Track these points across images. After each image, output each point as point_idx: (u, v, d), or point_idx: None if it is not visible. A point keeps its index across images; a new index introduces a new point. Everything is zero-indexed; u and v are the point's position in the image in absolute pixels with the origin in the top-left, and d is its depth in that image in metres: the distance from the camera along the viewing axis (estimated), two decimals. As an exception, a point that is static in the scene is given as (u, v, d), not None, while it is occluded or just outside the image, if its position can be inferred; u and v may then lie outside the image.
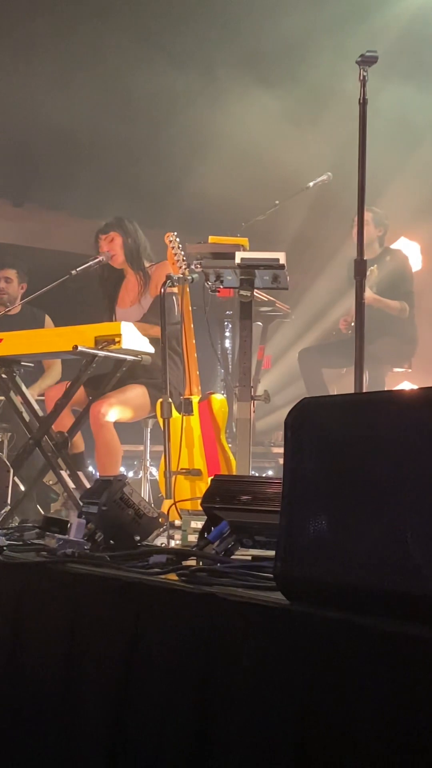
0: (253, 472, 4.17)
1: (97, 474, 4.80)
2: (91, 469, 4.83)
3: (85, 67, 6.35)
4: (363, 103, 3.38)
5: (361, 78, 3.37)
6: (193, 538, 2.81)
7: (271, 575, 1.74)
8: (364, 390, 3.45)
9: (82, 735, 2.09)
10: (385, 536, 1.49)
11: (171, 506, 3.29)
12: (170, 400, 3.84)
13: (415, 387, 5.31)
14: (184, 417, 3.96)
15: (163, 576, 2.06)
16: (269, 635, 1.64)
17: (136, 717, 1.94)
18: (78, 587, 2.23)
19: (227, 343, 6.10)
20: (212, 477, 2.45)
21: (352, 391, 3.41)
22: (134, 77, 6.30)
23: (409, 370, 5.98)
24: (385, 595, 1.47)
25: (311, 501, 1.64)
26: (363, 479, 1.56)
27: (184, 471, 3.89)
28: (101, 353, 3.88)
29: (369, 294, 5.47)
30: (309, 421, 1.70)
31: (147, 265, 4.65)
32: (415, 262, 6.62)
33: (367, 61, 3.37)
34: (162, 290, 3.90)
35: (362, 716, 1.41)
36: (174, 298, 4.14)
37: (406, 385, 6.24)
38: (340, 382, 6.10)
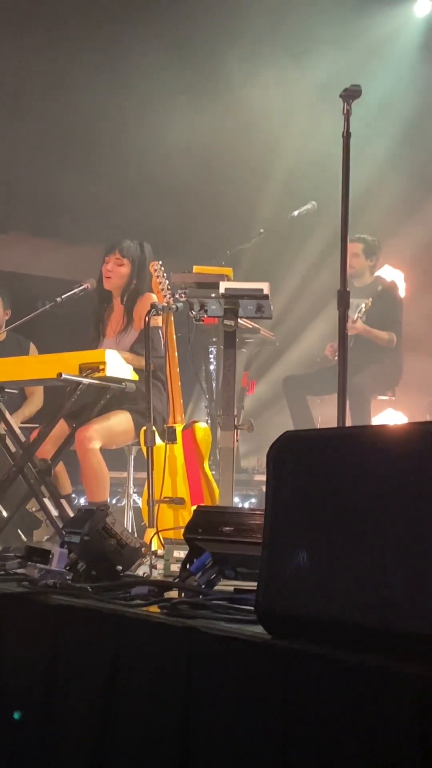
0: (236, 500, 4.17)
1: (83, 500, 4.79)
2: (74, 495, 4.81)
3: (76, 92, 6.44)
4: (346, 136, 3.42)
5: (345, 111, 3.41)
6: (175, 567, 2.81)
7: (253, 608, 1.74)
8: (348, 419, 3.47)
9: (61, 766, 2.08)
10: (365, 571, 1.50)
11: (153, 535, 3.28)
12: (154, 428, 3.84)
13: (399, 414, 5.30)
14: (168, 445, 3.96)
15: (144, 608, 2.06)
16: (250, 669, 1.63)
17: (115, 749, 1.93)
18: (59, 618, 2.22)
19: (211, 369, 6.11)
20: (195, 507, 2.45)
21: (336, 418, 3.42)
22: (122, 109, 6.38)
23: (393, 398, 6.01)
24: (366, 630, 1.47)
25: (293, 535, 1.65)
26: (344, 513, 1.57)
27: (167, 500, 3.88)
28: (85, 380, 3.89)
29: (359, 324, 5.52)
30: (291, 455, 1.71)
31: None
32: (399, 291, 6.67)
33: (350, 95, 3.42)
34: (147, 318, 3.91)
35: (342, 751, 1.41)
36: (159, 331, 4.16)
37: (390, 413, 6.27)
38: (324, 409, 6.11)
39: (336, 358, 5.58)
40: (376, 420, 6.00)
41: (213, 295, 3.60)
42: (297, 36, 6.17)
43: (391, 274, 6.81)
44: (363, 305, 5.54)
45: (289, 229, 5.94)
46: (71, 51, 6.21)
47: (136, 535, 3.71)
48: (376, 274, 6.11)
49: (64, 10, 6.24)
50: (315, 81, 6.10)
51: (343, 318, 3.38)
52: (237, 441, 3.66)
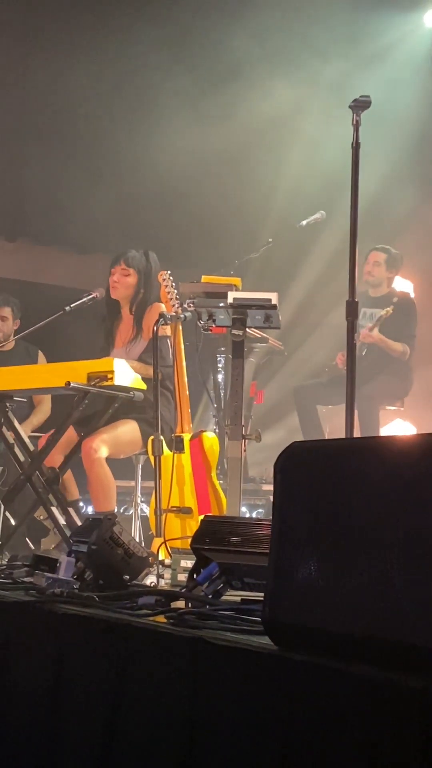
0: (243, 510, 4.17)
1: (90, 509, 4.79)
2: (81, 504, 4.82)
3: (85, 102, 6.47)
4: (356, 147, 3.43)
5: (354, 122, 3.42)
6: (182, 577, 2.80)
7: (260, 618, 1.73)
8: (357, 429, 3.47)
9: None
10: (373, 582, 1.50)
11: (161, 544, 3.28)
12: (161, 437, 3.85)
13: (407, 424, 5.29)
14: (176, 454, 3.96)
15: (151, 618, 2.06)
16: (256, 680, 1.63)
17: (121, 758, 1.92)
18: (66, 627, 2.22)
19: (220, 378, 6.11)
20: (202, 517, 2.44)
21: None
22: (131, 118, 6.40)
23: (401, 408, 6.01)
24: (373, 643, 1.47)
25: (300, 545, 1.64)
26: (351, 524, 1.57)
27: (174, 509, 3.88)
28: (93, 389, 3.90)
29: (375, 333, 5.53)
30: (298, 466, 1.70)
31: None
32: (411, 301, 6.67)
33: (360, 105, 3.43)
34: (155, 328, 3.92)
35: (346, 764, 1.40)
36: (167, 341, 4.17)
37: (398, 423, 6.27)
38: (335, 419, 6.10)
39: (344, 366, 5.60)
40: (385, 430, 5.99)
41: (221, 304, 3.61)
42: (306, 44, 6.18)
43: (401, 284, 6.82)
44: (382, 314, 5.54)
45: (298, 238, 5.95)
46: (79, 61, 6.24)
47: (143, 544, 3.71)
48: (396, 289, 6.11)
49: (70, 25, 6.27)
50: (324, 90, 6.12)
51: (351, 328, 3.38)
52: (245, 450, 3.66)
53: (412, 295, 6.92)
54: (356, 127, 3.43)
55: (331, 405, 5.95)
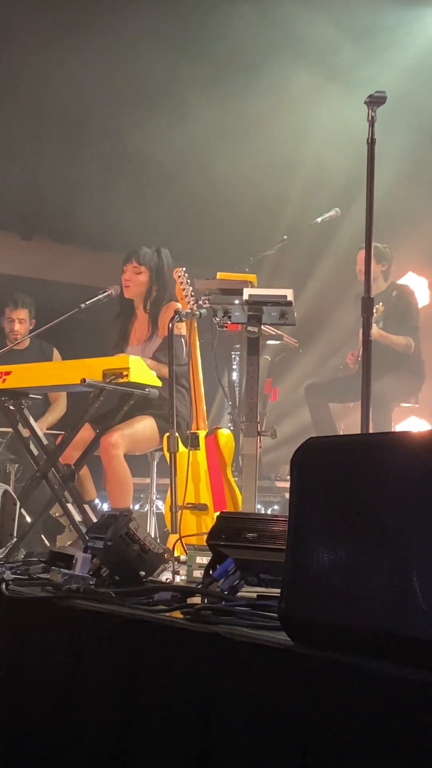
0: (259, 507, 4.16)
1: (106, 506, 4.80)
2: (97, 501, 4.83)
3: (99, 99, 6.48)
4: (371, 143, 3.42)
5: (370, 118, 3.41)
6: (198, 573, 2.81)
7: (276, 614, 1.73)
8: (371, 426, 3.46)
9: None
10: (390, 579, 1.49)
11: (176, 541, 3.28)
12: (177, 434, 3.85)
13: (422, 422, 5.26)
14: (191, 451, 3.97)
15: (167, 614, 2.06)
16: (272, 676, 1.63)
17: (137, 752, 1.93)
18: (82, 623, 2.23)
19: (234, 376, 6.11)
20: (218, 513, 2.44)
21: (359, 425, 3.41)
22: (145, 116, 6.41)
23: (416, 406, 5.98)
24: (390, 639, 1.46)
25: (316, 541, 1.64)
26: (368, 520, 1.57)
27: (190, 506, 3.89)
28: (109, 386, 3.90)
29: (375, 330, 5.49)
30: (314, 462, 1.70)
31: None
32: (422, 298, 6.64)
33: (375, 101, 3.42)
34: (170, 325, 3.92)
35: (363, 760, 1.40)
36: (182, 340, 4.17)
37: (413, 420, 6.24)
38: (347, 417, 6.09)
39: (355, 365, 5.60)
40: (399, 428, 5.97)
41: (236, 301, 3.61)
42: (321, 41, 6.16)
43: (415, 281, 6.79)
44: (374, 310, 5.51)
45: (313, 235, 5.94)
46: (94, 58, 6.25)
47: (159, 541, 3.72)
48: (398, 282, 6.08)
49: (85, 21, 6.28)
50: (339, 86, 6.10)
51: (367, 325, 3.38)
52: (260, 447, 3.66)
53: (428, 291, 6.90)
54: (371, 123, 3.42)
55: (344, 403, 5.94)
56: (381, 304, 5.48)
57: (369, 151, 3.42)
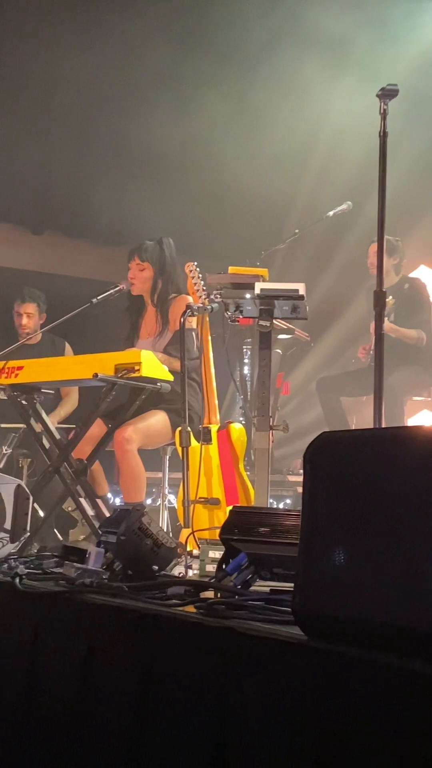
0: (271, 501, 4.16)
1: (118, 501, 4.81)
2: (110, 495, 4.84)
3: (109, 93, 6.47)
4: (383, 136, 3.40)
5: (382, 111, 3.40)
6: (210, 567, 2.81)
7: (290, 609, 1.73)
8: (383, 420, 3.45)
9: (95, 765, 2.09)
10: (404, 573, 1.49)
11: (189, 535, 3.29)
12: (189, 428, 3.85)
13: (434, 416, 5.18)
14: (203, 446, 3.97)
15: (180, 608, 2.06)
16: (286, 670, 1.63)
17: (150, 748, 1.93)
18: (96, 617, 2.23)
19: (246, 370, 6.11)
20: (231, 508, 2.45)
21: (371, 419, 3.40)
22: (155, 110, 6.39)
23: (429, 399, 5.96)
24: (403, 633, 1.46)
25: (330, 535, 1.64)
26: (382, 514, 1.56)
27: (202, 500, 3.89)
28: (121, 381, 3.90)
29: (386, 323, 5.47)
30: (327, 456, 1.70)
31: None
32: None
33: (387, 94, 3.40)
34: (182, 319, 3.92)
35: (377, 754, 1.40)
36: (193, 334, 4.17)
37: (426, 414, 6.22)
38: (359, 411, 6.08)
39: (367, 359, 5.59)
40: (412, 421, 5.96)
41: (248, 295, 3.61)
42: (334, 33, 6.13)
43: (427, 274, 6.77)
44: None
45: (324, 229, 5.92)
46: (107, 51, 6.24)
47: (171, 535, 3.72)
48: (410, 275, 6.06)
49: (94, 14, 6.27)
50: (351, 79, 6.06)
51: (379, 318, 3.37)
52: (272, 441, 3.66)
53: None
54: (383, 116, 3.40)
55: (355, 396, 5.93)
56: (391, 297, 5.46)
57: (381, 144, 3.40)
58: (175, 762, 1.84)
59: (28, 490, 3.73)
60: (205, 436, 3.98)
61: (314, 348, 6.50)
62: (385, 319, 5.43)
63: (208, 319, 4.12)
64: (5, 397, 4.34)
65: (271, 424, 3.62)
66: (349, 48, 6.05)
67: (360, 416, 6.04)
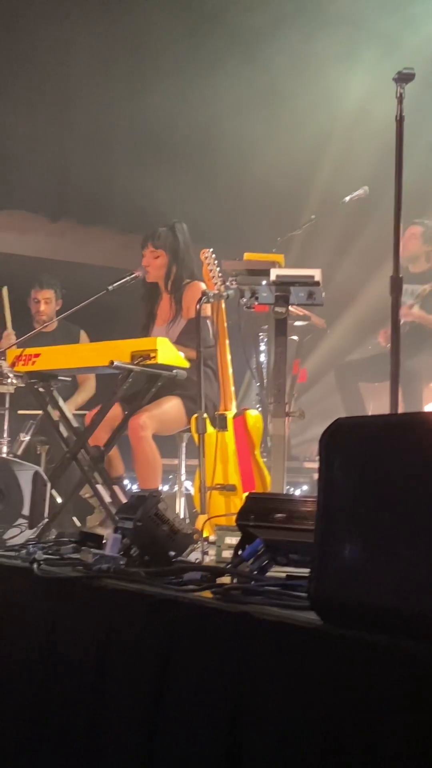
0: (287, 488, 4.17)
1: (135, 487, 4.83)
2: (127, 482, 4.86)
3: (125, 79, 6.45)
4: (400, 120, 3.38)
5: (398, 95, 3.38)
6: (227, 553, 2.82)
7: (306, 594, 1.74)
8: (400, 406, 3.44)
9: (111, 750, 2.11)
10: (420, 558, 1.49)
11: (205, 522, 3.30)
12: (205, 415, 3.85)
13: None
14: (219, 432, 3.97)
15: (197, 593, 2.07)
16: (302, 655, 1.64)
17: (166, 731, 1.95)
18: (113, 602, 2.25)
19: (262, 357, 6.10)
20: (247, 494, 2.45)
21: (388, 407, 3.40)
22: (171, 98, 6.37)
23: (448, 385, 5.94)
24: (420, 618, 1.46)
25: (345, 521, 1.64)
26: (397, 500, 1.56)
27: (218, 486, 3.90)
28: (137, 368, 3.91)
29: (415, 310, 5.46)
30: (343, 442, 1.70)
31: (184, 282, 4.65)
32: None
33: (404, 78, 3.38)
34: (197, 306, 3.92)
35: (392, 740, 1.41)
36: (208, 321, 4.16)
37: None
38: (377, 397, 6.06)
39: (387, 342, 5.56)
40: (430, 407, 5.94)
41: (264, 282, 3.60)
42: (350, 17, 6.07)
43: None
44: (420, 290, 5.48)
45: (341, 214, 5.89)
46: (118, 36, 6.22)
47: (188, 521, 3.73)
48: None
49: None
50: (367, 62, 6.01)
51: (396, 304, 3.35)
52: (288, 428, 3.66)
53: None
54: (400, 99, 3.38)
55: (374, 382, 5.91)
56: (429, 285, 5.44)
57: (398, 128, 3.38)
58: (192, 744, 1.85)
59: (45, 477, 3.75)
60: (221, 423, 3.99)
61: (330, 334, 6.48)
62: (415, 305, 5.44)
63: (224, 305, 4.12)
64: (23, 385, 4.36)
65: (287, 410, 3.61)
66: (367, 30, 5.99)
67: (378, 403, 6.03)
